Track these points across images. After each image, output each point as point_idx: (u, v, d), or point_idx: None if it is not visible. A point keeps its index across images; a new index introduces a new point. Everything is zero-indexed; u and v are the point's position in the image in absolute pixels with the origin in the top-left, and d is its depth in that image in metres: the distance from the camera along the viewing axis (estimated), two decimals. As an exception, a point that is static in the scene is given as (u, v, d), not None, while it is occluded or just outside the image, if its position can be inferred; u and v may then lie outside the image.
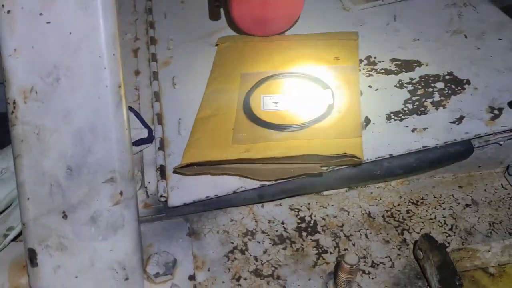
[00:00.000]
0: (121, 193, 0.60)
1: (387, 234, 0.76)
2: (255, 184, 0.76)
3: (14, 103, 0.55)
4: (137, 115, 0.85)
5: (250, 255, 0.72)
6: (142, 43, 1.05)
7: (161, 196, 0.75)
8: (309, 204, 0.80)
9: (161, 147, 0.82)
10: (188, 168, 0.76)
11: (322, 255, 0.73)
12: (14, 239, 0.69)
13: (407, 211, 0.79)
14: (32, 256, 0.59)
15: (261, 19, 0.99)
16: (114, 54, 0.56)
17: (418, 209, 0.80)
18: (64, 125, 0.56)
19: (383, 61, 0.96)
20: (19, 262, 0.67)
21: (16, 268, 0.66)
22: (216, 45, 1.01)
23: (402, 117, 0.84)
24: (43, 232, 0.58)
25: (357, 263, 0.61)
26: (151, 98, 0.91)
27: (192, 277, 0.66)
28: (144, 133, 0.83)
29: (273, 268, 0.70)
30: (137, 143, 0.81)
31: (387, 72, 0.94)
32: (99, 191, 0.59)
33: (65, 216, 0.58)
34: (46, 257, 0.59)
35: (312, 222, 0.77)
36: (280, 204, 0.79)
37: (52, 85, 0.55)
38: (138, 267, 0.63)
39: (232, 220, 0.76)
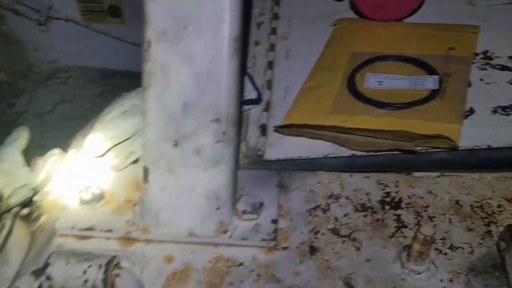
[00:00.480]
0: (224, 133, 0.68)
1: (472, 223, 0.75)
2: (346, 152, 0.81)
3: (149, 42, 0.66)
4: (251, 78, 0.94)
5: (331, 215, 0.76)
6: (265, 18, 1.14)
7: (259, 149, 0.83)
8: (397, 182, 0.82)
9: (266, 109, 0.90)
10: (287, 129, 0.83)
11: (402, 229, 0.75)
12: (134, 162, 0.82)
13: (498, 206, 0.77)
14: (146, 173, 0.70)
15: (382, 4, 1.02)
16: (235, 11, 0.65)
17: (511, 206, 0.78)
18: (186, 67, 0.66)
19: (500, 57, 0.94)
20: (135, 181, 0.78)
21: (132, 185, 0.78)
22: (333, 25, 1.06)
23: (510, 112, 0.83)
24: (157, 154, 0.69)
25: (432, 234, 0.64)
26: (265, 66, 0.99)
27: (274, 221, 0.73)
28: (254, 95, 0.91)
29: (350, 231, 0.74)
30: (246, 102, 0.90)
31: (503, 68, 0.92)
32: (206, 128, 0.68)
33: (176, 144, 0.69)
34: (156, 176, 0.70)
35: (397, 198, 0.79)
36: (368, 177, 0.82)
37: (180, 31, 0.65)
38: (229, 201, 0.71)
39: (319, 182, 0.82)
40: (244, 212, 0.72)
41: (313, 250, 0.71)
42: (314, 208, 0.77)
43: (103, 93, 1.54)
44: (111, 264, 0.62)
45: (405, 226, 0.75)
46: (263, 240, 0.71)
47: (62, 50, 1.67)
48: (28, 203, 0.82)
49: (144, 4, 0.64)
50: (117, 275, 0.62)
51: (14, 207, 0.79)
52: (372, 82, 0.88)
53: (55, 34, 1.64)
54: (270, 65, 0.99)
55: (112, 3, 1.56)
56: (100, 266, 0.61)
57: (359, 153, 0.81)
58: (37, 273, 0.62)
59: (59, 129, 1.43)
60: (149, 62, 0.66)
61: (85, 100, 1.51)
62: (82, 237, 0.72)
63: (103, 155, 0.82)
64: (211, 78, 0.66)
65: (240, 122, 0.75)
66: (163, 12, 0.64)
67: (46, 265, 0.61)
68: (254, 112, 0.91)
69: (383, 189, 0.81)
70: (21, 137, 0.84)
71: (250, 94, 0.91)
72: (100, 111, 1.00)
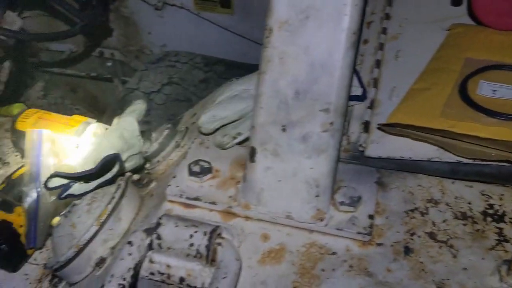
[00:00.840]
0: (331, 123, 0.70)
1: None
2: (451, 158, 0.79)
3: (270, 30, 0.69)
4: (357, 75, 0.94)
5: (429, 219, 0.75)
6: (376, 17, 1.13)
7: (360, 145, 0.83)
8: (502, 195, 0.79)
9: (371, 107, 0.90)
10: (392, 128, 0.83)
11: (503, 243, 0.72)
12: (240, 143, 0.85)
13: None
14: (252, 153, 0.73)
15: (504, 13, 0.97)
16: (356, 5, 0.66)
17: None
18: (303, 56, 0.68)
19: None
20: (239, 160, 0.82)
21: (236, 164, 0.82)
22: (448, 30, 1.03)
23: None
24: (265, 136, 0.72)
25: (538, 251, 0.61)
26: (372, 65, 0.99)
27: (371, 217, 0.74)
28: (359, 91, 0.92)
29: (448, 237, 0.73)
30: (351, 98, 0.90)
31: None
32: (315, 117, 0.70)
33: (284, 129, 0.71)
34: (262, 157, 0.73)
35: (500, 211, 0.76)
36: (471, 186, 0.80)
37: (301, 21, 0.67)
38: (328, 190, 0.73)
39: (419, 185, 0.81)
40: (341, 203, 0.73)
41: (407, 250, 0.71)
42: (412, 210, 0.77)
43: (207, 79, 1.61)
44: (214, 233, 0.66)
45: (507, 241, 0.72)
46: (359, 233, 0.71)
47: (173, 35, 1.77)
48: (139, 169, 0.89)
49: (270, -7, 0.68)
50: (219, 244, 0.66)
51: (127, 172, 0.86)
52: (486, 90, 0.85)
53: (168, 19, 1.74)
54: (378, 63, 0.99)
55: (224, -6, 1.63)
56: (205, 233, 0.65)
57: (464, 161, 0.79)
58: (149, 231, 0.67)
59: (164, 108, 1.52)
60: (269, 48, 0.69)
61: (189, 84, 1.59)
62: (188, 206, 0.78)
63: (212, 133, 0.87)
64: (325, 69, 0.68)
65: (346, 115, 0.76)
66: (287, 2, 0.67)
67: (158, 224, 0.67)
68: (357, 109, 0.92)
69: (486, 201, 0.78)
70: (139, 109, 0.91)
71: (356, 90, 0.91)
72: (202, 95, 1.05)
